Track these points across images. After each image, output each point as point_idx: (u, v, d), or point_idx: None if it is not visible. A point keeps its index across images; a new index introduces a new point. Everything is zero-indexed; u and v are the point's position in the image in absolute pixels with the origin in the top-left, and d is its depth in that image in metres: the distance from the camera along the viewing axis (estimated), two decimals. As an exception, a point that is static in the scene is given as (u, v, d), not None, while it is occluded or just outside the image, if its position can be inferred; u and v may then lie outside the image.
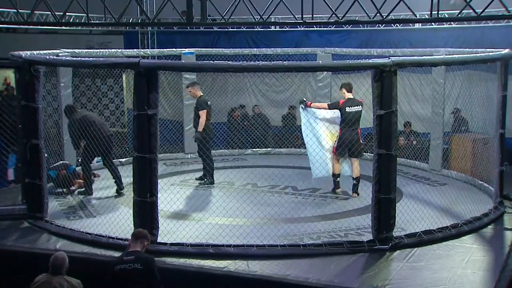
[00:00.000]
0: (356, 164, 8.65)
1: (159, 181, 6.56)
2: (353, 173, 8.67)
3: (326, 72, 11.27)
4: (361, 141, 8.65)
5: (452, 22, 11.03)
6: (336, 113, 8.61)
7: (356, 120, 8.54)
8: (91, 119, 8.57)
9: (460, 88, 9.78)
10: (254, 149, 11.94)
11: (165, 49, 11.84)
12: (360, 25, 12.13)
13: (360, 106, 8.62)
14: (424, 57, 8.47)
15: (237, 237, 6.62)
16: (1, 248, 6.73)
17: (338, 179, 8.77)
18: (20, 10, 8.34)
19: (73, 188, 8.76)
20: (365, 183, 8.68)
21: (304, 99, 8.90)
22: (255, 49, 12.04)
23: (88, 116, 8.68)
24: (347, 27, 12.36)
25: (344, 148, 8.51)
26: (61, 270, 5.23)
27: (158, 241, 6.47)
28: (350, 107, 8.52)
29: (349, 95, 8.66)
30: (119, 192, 8.71)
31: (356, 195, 8.59)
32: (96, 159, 9.19)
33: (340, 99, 8.66)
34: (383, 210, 6.44)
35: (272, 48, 11.90)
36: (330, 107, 8.68)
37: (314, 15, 7.87)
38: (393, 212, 6.52)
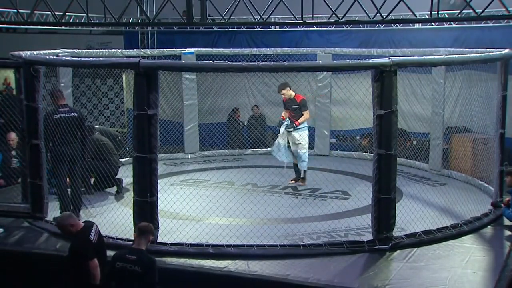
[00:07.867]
0: None
1: (159, 181, 6.57)
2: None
3: (326, 72, 11.26)
4: None
5: (452, 22, 11.02)
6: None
7: None
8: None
9: (460, 88, 9.78)
10: (254, 149, 11.94)
11: (165, 49, 11.84)
12: (360, 25, 12.11)
13: None
14: (424, 57, 8.47)
15: (237, 237, 6.62)
16: (0, 248, 6.74)
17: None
18: (20, 10, 8.32)
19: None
20: (365, 183, 8.69)
21: (291, 125, 9.26)
22: (255, 49, 12.02)
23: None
24: (347, 27, 12.34)
25: None
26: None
27: (158, 241, 6.47)
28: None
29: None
30: (118, 192, 8.72)
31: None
32: None
33: (296, 96, 9.38)
34: (383, 210, 6.44)
35: (272, 48, 11.89)
36: (306, 108, 9.30)
37: (314, 15, 7.85)
38: (393, 212, 6.52)
